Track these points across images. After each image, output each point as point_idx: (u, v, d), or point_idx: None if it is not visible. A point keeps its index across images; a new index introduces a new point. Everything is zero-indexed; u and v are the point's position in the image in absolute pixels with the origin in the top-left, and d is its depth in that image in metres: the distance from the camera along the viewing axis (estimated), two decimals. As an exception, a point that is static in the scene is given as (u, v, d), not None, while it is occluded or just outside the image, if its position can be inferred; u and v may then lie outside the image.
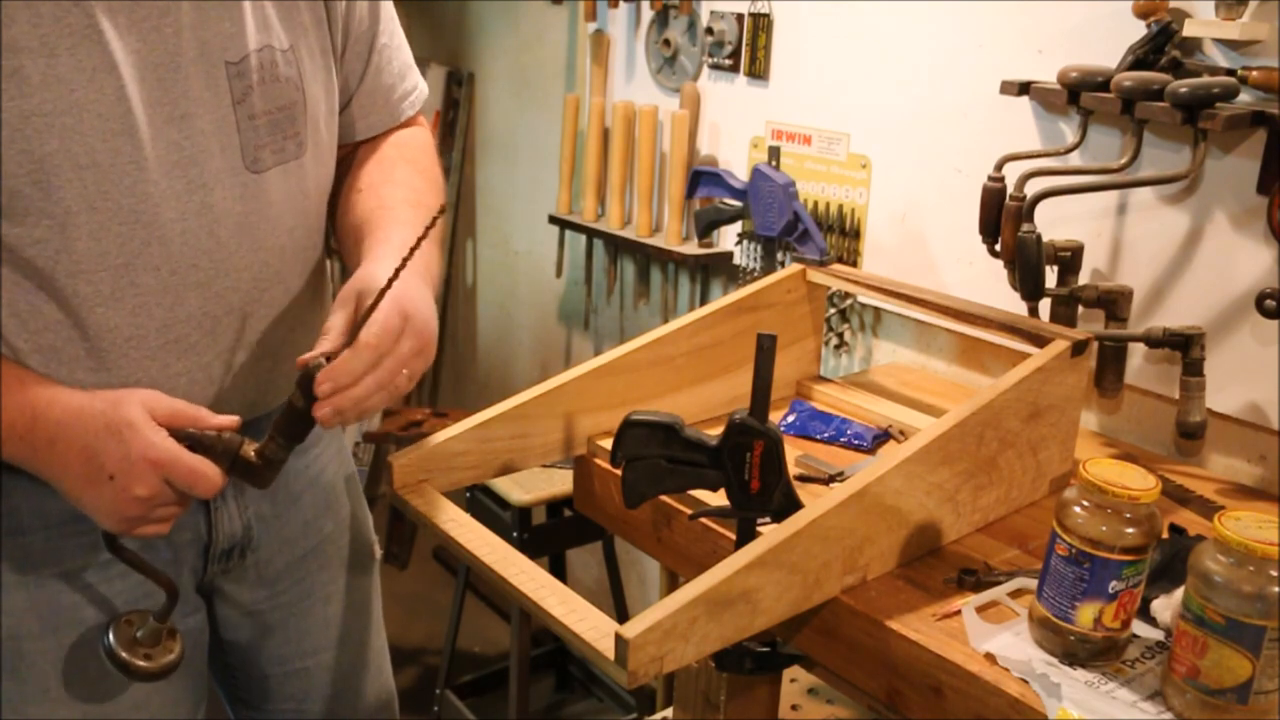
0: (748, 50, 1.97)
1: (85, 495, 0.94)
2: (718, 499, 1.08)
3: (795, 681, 1.62)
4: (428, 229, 0.95)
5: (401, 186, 1.16)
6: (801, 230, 1.59)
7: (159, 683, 1.10)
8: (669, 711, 1.80)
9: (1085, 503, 0.93)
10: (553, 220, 2.44)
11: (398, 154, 1.21)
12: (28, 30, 0.88)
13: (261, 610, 1.23)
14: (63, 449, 0.93)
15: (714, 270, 2.16)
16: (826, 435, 1.39)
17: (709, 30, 2.02)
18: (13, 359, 0.98)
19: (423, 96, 1.26)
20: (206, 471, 0.94)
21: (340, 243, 1.17)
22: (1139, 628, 0.99)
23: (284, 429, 0.97)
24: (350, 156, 1.20)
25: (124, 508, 0.93)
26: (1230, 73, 1.29)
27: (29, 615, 1.05)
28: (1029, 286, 1.38)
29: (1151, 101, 1.29)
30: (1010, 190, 1.41)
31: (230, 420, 0.98)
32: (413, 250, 0.93)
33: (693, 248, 2.11)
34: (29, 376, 0.96)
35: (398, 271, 0.92)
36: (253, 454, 0.97)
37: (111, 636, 1.02)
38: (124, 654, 1.02)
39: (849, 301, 1.85)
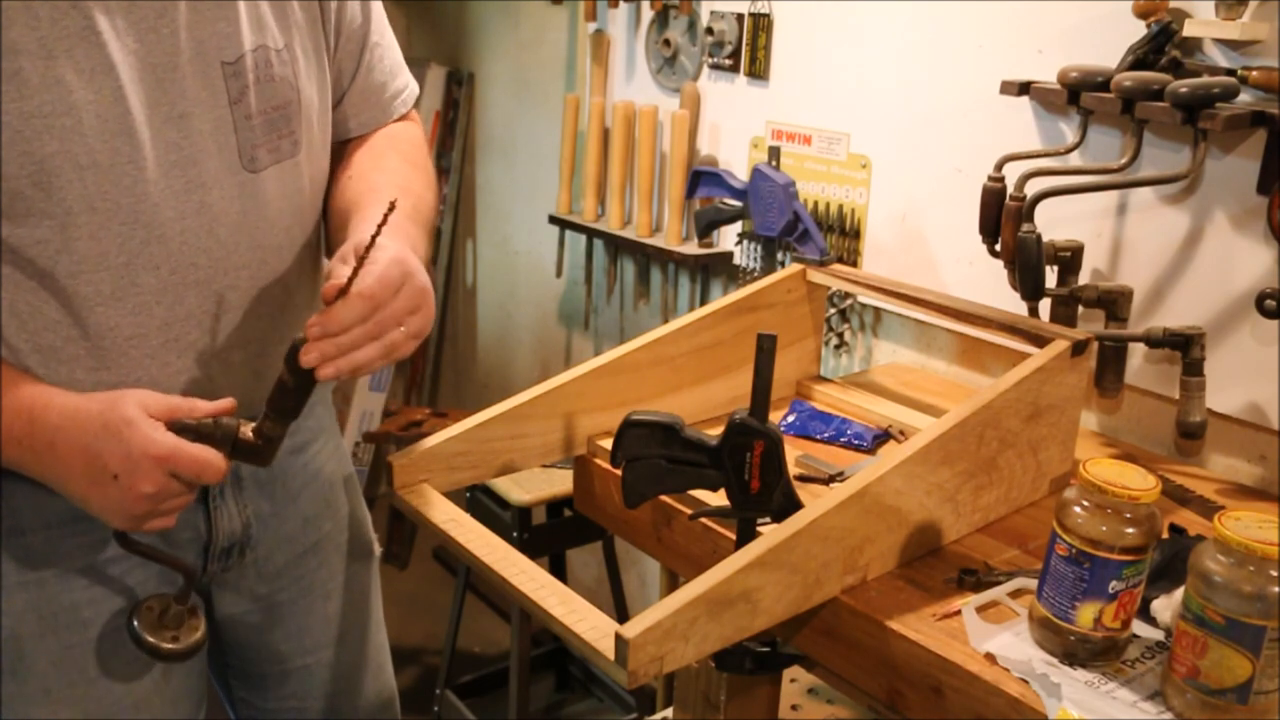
0: (748, 50, 1.96)
1: (91, 496, 0.94)
2: (718, 499, 1.08)
3: (795, 681, 1.62)
4: (393, 204, 0.94)
5: (390, 174, 1.16)
6: (801, 230, 1.59)
7: (159, 683, 1.10)
8: (669, 711, 1.80)
9: (1085, 503, 0.93)
10: (553, 220, 2.44)
11: (388, 144, 1.21)
12: (26, 32, 0.89)
13: (261, 608, 1.23)
14: (63, 451, 0.93)
15: (714, 270, 2.16)
16: (826, 435, 1.39)
17: (709, 30, 2.02)
18: (12, 359, 0.98)
19: (413, 95, 1.27)
20: (210, 459, 0.94)
21: (328, 228, 1.17)
22: (1139, 628, 0.99)
23: (276, 403, 0.98)
24: (341, 151, 1.21)
25: (131, 506, 0.93)
26: (1230, 73, 1.29)
27: (29, 615, 1.05)
28: (1029, 286, 1.38)
29: (1151, 101, 1.29)
30: (1010, 190, 1.41)
31: (225, 403, 0.98)
32: (390, 209, 0.93)
33: (693, 248, 2.11)
34: (21, 378, 0.96)
35: (386, 217, 0.92)
36: (251, 434, 0.98)
37: (136, 622, 1.03)
38: (150, 637, 1.03)
39: (849, 301, 1.85)
